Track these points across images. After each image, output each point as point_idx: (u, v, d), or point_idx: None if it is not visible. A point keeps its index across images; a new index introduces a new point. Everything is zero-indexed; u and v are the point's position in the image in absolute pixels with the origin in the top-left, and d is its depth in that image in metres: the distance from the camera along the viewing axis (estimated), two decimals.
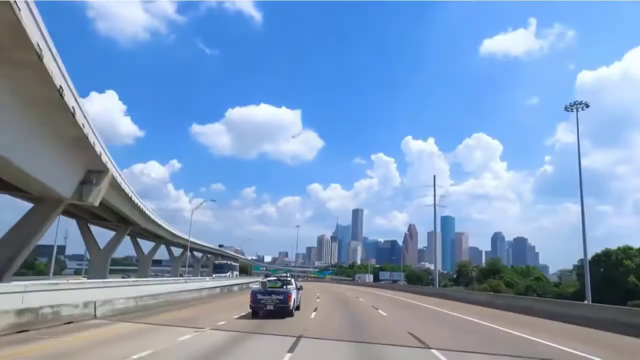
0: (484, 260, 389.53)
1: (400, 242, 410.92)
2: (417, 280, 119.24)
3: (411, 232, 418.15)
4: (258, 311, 14.82)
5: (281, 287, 16.56)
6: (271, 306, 14.63)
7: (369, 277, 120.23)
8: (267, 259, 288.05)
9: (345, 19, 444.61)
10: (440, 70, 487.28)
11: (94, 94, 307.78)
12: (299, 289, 17.92)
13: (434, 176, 49.08)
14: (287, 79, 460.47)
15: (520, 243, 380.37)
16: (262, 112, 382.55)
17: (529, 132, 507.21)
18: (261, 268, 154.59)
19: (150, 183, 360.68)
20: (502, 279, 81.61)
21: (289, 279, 18.06)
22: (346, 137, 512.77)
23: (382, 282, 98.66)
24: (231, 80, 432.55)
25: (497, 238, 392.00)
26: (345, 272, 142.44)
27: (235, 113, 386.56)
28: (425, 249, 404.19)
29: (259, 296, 14.96)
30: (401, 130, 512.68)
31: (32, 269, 67.75)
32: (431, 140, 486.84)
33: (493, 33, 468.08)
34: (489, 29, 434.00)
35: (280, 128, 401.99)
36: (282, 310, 14.73)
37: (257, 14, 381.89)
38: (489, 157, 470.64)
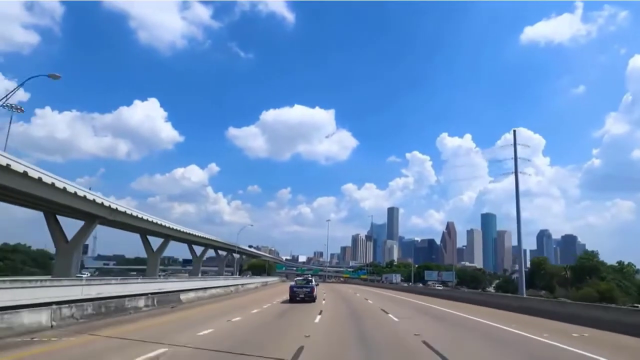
0: (529, 260, 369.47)
1: (437, 241, 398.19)
2: (472, 282, 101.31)
3: (449, 231, 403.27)
4: (294, 298, 23.31)
5: (307, 284, 24.89)
6: (302, 295, 23.41)
7: (396, 277, 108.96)
8: (302, 259, 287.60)
9: (377, 16, 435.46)
10: (477, 63, 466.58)
11: (137, 102, 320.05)
12: (316, 285, 26.59)
13: (514, 131, 40.11)
14: (321, 79, 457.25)
15: (569, 241, 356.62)
16: (296, 113, 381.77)
17: (574, 123, 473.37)
18: (284, 268, 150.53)
19: (190, 187, 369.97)
20: (603, 279, 61.56)
21: (310, 278, 27.70)
22: (380, 136, 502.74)
23: (428, 284, 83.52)
24: (265, 82, 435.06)
25: (543, 236, 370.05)
26: (383, 272, 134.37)
27: (270, 115, 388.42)
28: (464, 248, 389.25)
29: (295, 289, 23.83)
30: (436, 127, 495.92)
31: (44, 269, 63.62)
32: (468, 136, 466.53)
33: (535, 20, 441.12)
34: (530, 16, 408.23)
35: (314, 128, 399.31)
36: (310, 298, 23.37)
37: (289, 15, 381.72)
38: (531, 152, 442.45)
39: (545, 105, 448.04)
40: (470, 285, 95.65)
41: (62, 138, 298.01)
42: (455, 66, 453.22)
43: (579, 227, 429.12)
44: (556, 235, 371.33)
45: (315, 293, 24.26)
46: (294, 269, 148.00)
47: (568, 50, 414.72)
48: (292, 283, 26.64)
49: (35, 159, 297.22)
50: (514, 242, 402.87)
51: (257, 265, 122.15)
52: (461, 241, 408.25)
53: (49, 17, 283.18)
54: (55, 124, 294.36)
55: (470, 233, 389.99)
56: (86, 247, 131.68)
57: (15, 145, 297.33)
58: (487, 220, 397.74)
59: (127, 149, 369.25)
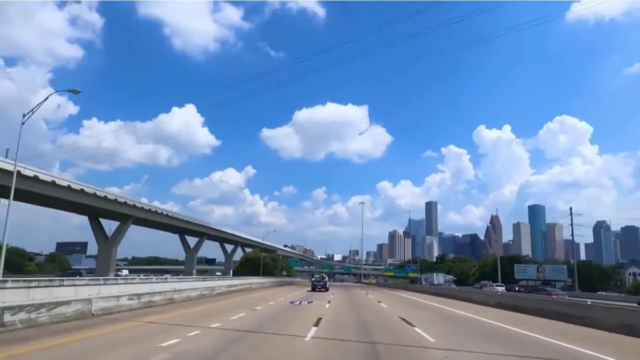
0: (583, 254, 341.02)
1: (480, 236, 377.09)
2: (602, 282, 68.95)
3: (494, 224, 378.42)
4: (314, 289, 39.37)
5: (322, 279, 42.51)
6: (319, 287, 39.58)
7: (439, 278, 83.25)
8: (337, 257, 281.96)
9: (409, 6, 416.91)
10: (518, 47, 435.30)
11: (175, 109, 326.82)
12: (327, 280, 45.69)
13: None
14: (353, 75, 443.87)
15: (630, 233, 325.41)
16: (329, 111, 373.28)
17: (626, 107, 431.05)
18: (299, 262, 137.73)
19: (228, 190, 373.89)
20: None
21: (324, 276, 45.88)
22: (415, 130, 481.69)
23: (483, 285, 56.70)
24: (297, 81, 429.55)
25: (600, 227, 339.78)
26: (434, 269, 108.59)
27: (302, 115, 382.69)
28: (511, 242, 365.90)
29: (315, 283, 41.03)
30: (473, 119, 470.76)
31: (18, 272, 59.50)
32: (507, 127, 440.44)
33: None
34: None
35: (347, 126, 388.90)
36: (324, 289, 39.45)
37: (320, 10, 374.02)
38: (576, 141, 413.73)
39: (593, 88, 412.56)
40: (595, 287, 62.59)
41: (109, 147, 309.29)
42: (493, 53, 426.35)
43: (636, 218, 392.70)
44: (614, 227, 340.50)
45: (327, 285, 41.36)
46: (321, 266, 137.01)
47: (621, 26, 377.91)
48: (313, 279, 45.80)
49: (85, 169, 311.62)
50: (566, 235, 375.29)
51: (252, 259, 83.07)
52: (505, 236, 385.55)
53: (90, 30, 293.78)
54: (102, 134, 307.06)
55: (516, 227, 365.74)
56: (85, 244, 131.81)
57: (66, 156, 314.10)
58: (535, 212, 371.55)
59: (168, 155, 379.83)
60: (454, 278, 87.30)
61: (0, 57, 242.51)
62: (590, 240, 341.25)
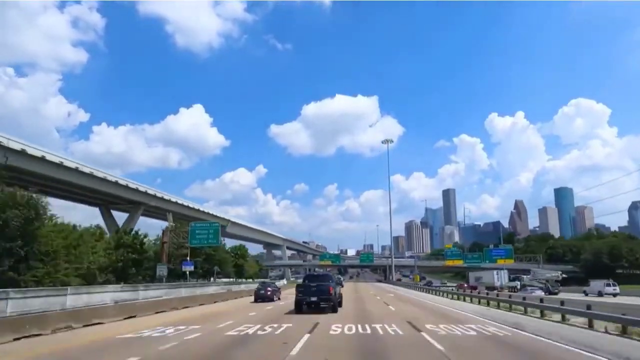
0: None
1: (505, 224, 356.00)
2: None
3: (519, 210, 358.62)
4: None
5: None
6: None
7: (502, 276, 55.78)
8: (352, 252, 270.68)
9: None
10: (529, 30, 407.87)
11: (182, 110, 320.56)
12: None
13: None
14: (361, 64, 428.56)
15: None
16: (338, 104, 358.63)
17: None
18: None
19: (240, 190, 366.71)
20: None
21: (341, 278, 72.71)
22: (427, 120, 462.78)
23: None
24: (305, 74, 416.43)
25: (636, 208, 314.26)
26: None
27: (311, 109, 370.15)
28: (538, 229, 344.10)
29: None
30: (485, 107, 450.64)
31: None
32: (520, 114, 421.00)
33: None
34: None
35: (357, 118, 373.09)
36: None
37: None
38: (594, 123, 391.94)
39: (610, 68, 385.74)
40: None
41: (119, 152, 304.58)
42: (504, 35, 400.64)
43: None
44: None
45: (343, 284, 50.52)
46: (318, 256, 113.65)
47: None
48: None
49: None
50: (597, 219, 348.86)
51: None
52: (533, 222, 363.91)
53: (92, 32, 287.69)
54: (112, 139, 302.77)
55: (542, 211, 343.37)
56: None
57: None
58: (562, 194, 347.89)
59: (178, 157, 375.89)
60: (562, 275, 55.50)
61: (7, 66, 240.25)
62: (624, 223, 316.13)
